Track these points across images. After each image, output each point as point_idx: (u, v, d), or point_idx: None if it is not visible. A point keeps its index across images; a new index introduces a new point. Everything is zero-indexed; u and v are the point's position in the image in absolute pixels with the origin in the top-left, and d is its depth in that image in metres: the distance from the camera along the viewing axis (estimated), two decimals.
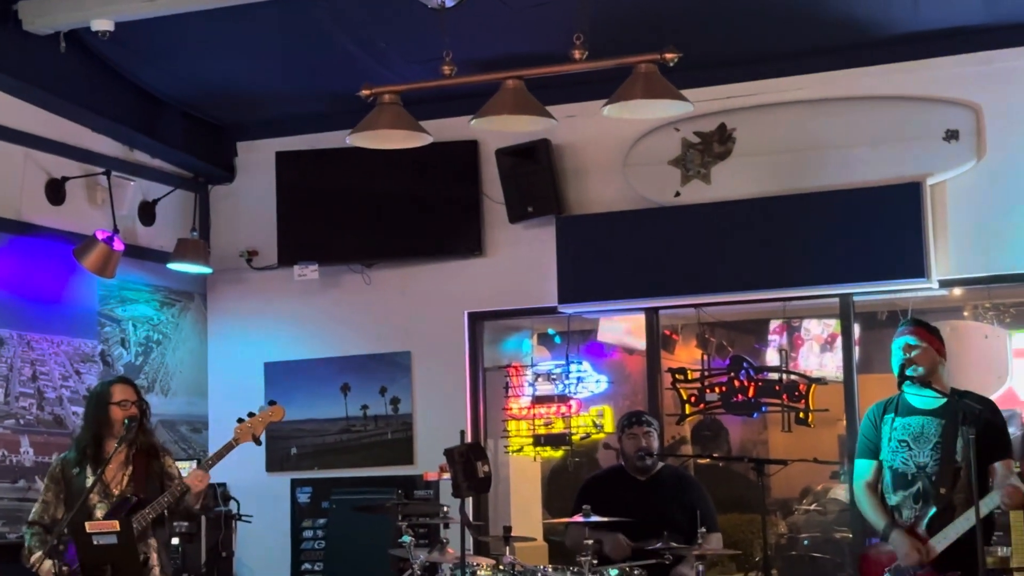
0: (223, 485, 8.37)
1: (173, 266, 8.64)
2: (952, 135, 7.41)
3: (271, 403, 6.39)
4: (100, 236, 7.91)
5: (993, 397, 6.70)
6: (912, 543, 5.73)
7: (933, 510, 5.79)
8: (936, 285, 7.48)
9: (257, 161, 9.01)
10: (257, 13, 7.32)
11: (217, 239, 9.08)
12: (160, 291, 8.79)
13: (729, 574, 9.02)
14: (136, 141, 8.54)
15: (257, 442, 6.24)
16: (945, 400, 5.85)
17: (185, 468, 6.17)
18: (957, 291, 7.88)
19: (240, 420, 6.24)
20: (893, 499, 5.93)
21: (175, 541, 7.81)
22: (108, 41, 7.27)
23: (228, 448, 6.15)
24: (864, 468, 6.09)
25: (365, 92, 6.13)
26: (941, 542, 5.70)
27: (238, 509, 8.34)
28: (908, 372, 5.88)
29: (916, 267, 7.37)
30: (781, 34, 7.51)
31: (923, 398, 5.91)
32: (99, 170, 8.21)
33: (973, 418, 5.52)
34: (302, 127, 8.82)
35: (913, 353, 5.91)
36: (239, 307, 9.07)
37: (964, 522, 5.66)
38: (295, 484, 8.83)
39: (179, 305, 8.94)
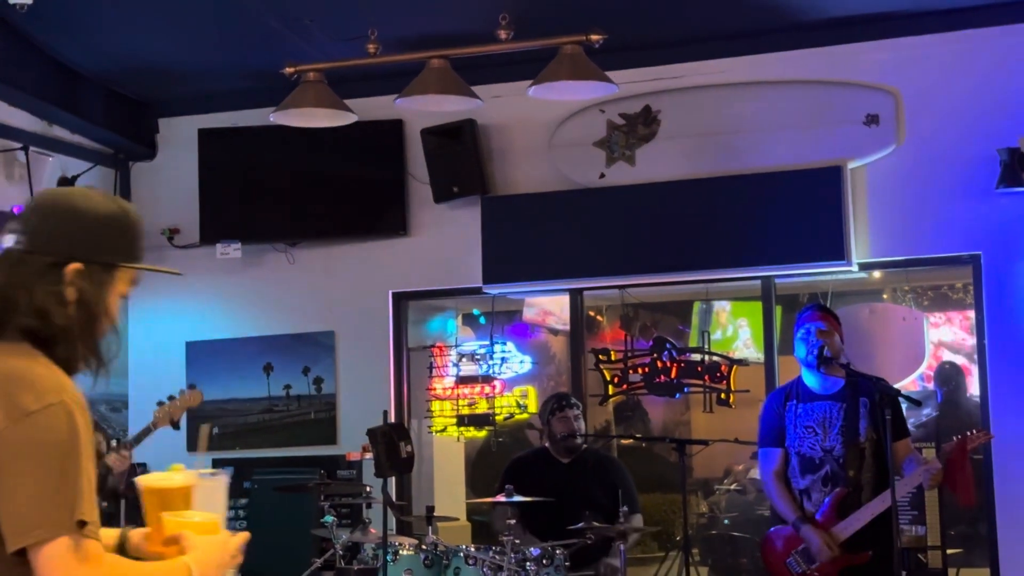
0: (143, 465, 8.27)
1: None
2: (872, 120, 7.49)
3: (190, 387, 6.35)
4: (17, 212, 7.78)
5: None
6: (824, 538, 5.81)
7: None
8: (856, 268, 7.56)
9: (179, 138, 8.90)
10: None
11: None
12: None
13: (650, 553, 9.11)
14: (55, 116, 8.39)
15: (176, 427, 6.21)
16: (843, 384, 5.95)
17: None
18: (876, 274, 7.99)
19: (160, 403, 6.19)
20: (801, 483, 6.00)
21: None
22: (27, 14, 7.12)
23: (146, 432, 6.13)
24: (771, 457, 6.14)
25: (289, 70, 6.11)
26: (844, 531, 5.78)
27: None
28: (827, 354, 5.96)
29: (836, 250, 7.45)
30: (706, 17, 7.55)
31: (823, 382, 6.00)
32: (16, 145, 8.06)
33: (890, 400, 5.61)
34: (225, 104, 8.72)
35: (827, 338, 6.01)
36: (160, 285, 8.90)
37: (867, 511, 5.75)
38: (216, 464, 8.76)
39: None
